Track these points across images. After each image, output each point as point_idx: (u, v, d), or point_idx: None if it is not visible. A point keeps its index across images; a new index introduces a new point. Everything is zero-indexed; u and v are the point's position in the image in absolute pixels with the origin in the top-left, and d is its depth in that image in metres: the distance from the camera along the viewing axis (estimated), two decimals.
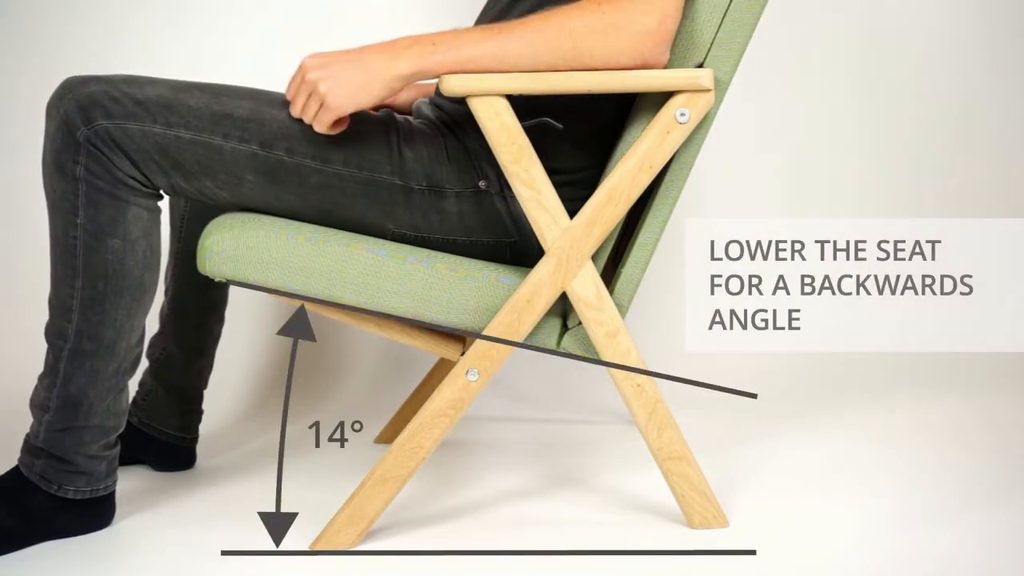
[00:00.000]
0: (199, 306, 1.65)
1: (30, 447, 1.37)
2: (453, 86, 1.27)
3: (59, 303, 1.33)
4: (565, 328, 1.40)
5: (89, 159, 1.29)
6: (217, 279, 1.35)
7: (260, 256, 1.33)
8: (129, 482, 1.59)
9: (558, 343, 1.40)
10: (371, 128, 1.39)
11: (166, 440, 1.66)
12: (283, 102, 1.36)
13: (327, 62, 1.28)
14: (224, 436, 1.89)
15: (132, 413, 1.66)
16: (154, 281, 1.37)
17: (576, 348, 1.39)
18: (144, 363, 1.76)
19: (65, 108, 1.29)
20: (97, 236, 1.31)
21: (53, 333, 1.35)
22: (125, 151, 1.30)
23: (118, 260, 1.32)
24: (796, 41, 2.42)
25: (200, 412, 1.71)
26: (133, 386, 1.61)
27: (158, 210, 1.36)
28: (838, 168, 2.46)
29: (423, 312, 1.36)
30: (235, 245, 1.33)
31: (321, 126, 1.30)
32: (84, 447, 1.36)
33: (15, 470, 1.37)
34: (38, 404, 1.36)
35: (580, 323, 1.37)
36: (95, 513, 1.40)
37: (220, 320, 1.69)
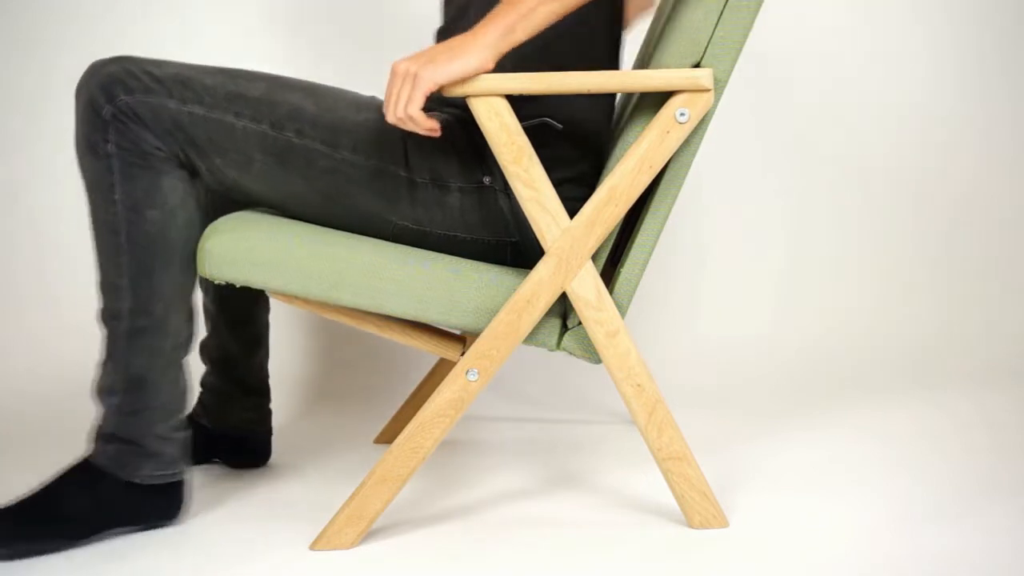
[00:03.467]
0: (243, 300, 1.63)
1: (101, 434, 1.37)
2: (453, 87, 1.27)
3: (108, 284, 1.35)
4: (565, 328, 1.40)
5: (117, 135, 1.32)
6: (218, 281, 1.35)
7: (260, 258, 1.33)
8: None
9: (558, 343, 1.40)
10: (381, 118, 1.40)
11: (238, 436, 1.65)
12: (297, 86, 1.37)
13: (416, 55, 1.29)
14: None
15: (200, 415, 1.66)
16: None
17: (576, 348, 1.39)
18: (202, 366, 1.74)
19: (89, 90, 1.33)
20: (135, 209, 1.33)
21: (108, 315, 1.36)
22: (147, 124, 1.33)
23: (159, 231, 1.34)
24: (796, 40, 2.42)
25: (268, 405, 1.69)
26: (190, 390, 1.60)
27: (192, 181, 1.38)
28: (838, 168, 2.46)
29: (423, 313, 1.36)
30: (235, 247, 1.33)
31: (414, 106, 1.27)
32: (153, 427, 1.37)
33: (84, 461, 1.38)
34: (105, 389, 1.37)
35: (580, 323, 1.37)
36: (165, 501, 1.40)
37: (266, 307, 1.67)
